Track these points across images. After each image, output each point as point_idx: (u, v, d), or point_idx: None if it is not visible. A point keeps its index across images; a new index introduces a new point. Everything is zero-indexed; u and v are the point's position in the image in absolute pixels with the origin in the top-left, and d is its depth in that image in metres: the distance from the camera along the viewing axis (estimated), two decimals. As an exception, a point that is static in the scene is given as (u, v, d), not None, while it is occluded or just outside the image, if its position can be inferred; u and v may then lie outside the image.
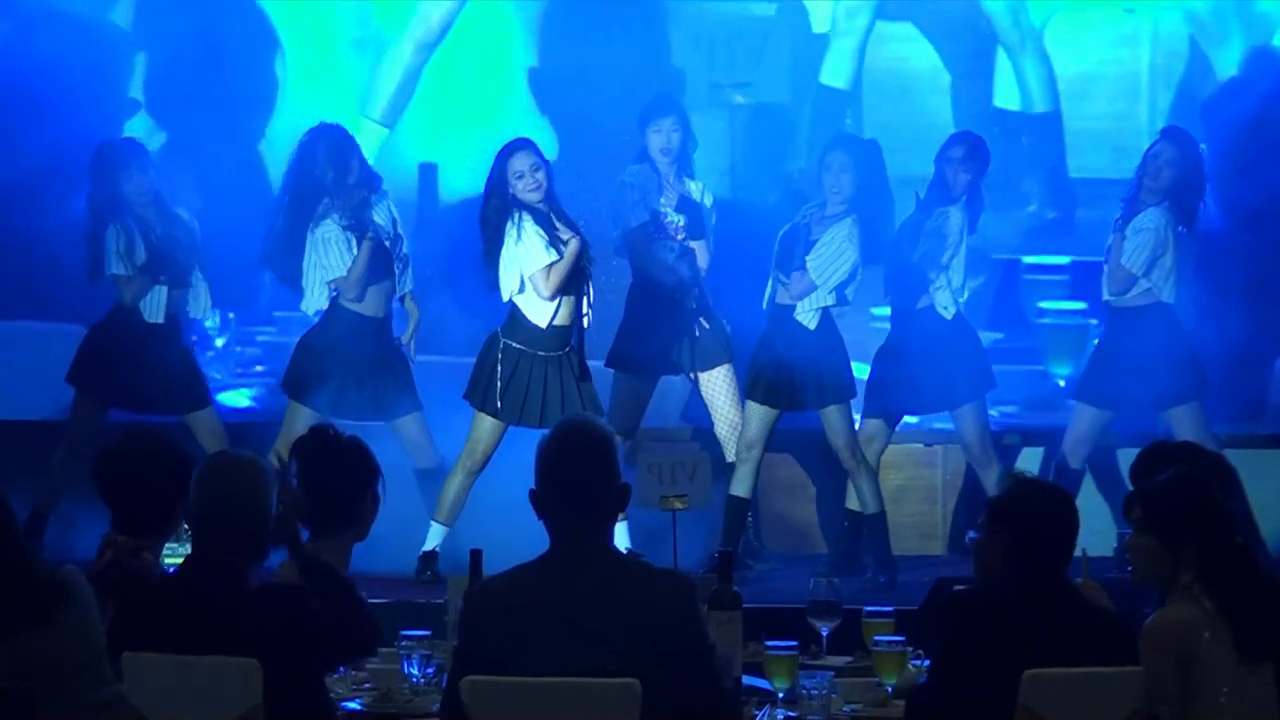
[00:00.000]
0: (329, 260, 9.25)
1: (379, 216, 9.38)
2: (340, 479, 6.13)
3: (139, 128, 10.60)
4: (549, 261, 8.94)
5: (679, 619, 5.20)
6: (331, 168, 9.22)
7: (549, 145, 10.34)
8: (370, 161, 9.98)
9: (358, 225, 9.21)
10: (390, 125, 10.98)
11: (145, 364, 9.36)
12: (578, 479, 5.25)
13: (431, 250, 10.29)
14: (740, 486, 9.20)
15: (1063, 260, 11.30)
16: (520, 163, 9.05)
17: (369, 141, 10.64)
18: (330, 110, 10.21)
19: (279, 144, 10.49)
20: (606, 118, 10.60)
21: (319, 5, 10.92)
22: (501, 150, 9.16)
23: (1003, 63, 11.55)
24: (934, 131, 10.53)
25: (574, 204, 9.42)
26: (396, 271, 9.44)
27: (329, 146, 9.30)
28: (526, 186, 8.99)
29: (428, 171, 10.78)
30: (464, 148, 10.75)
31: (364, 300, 9.34)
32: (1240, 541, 5.73)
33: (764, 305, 9.36)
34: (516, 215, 8.99)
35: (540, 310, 9.08)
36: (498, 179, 9.08)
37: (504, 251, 9.06)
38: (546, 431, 5.50)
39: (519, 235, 8.99)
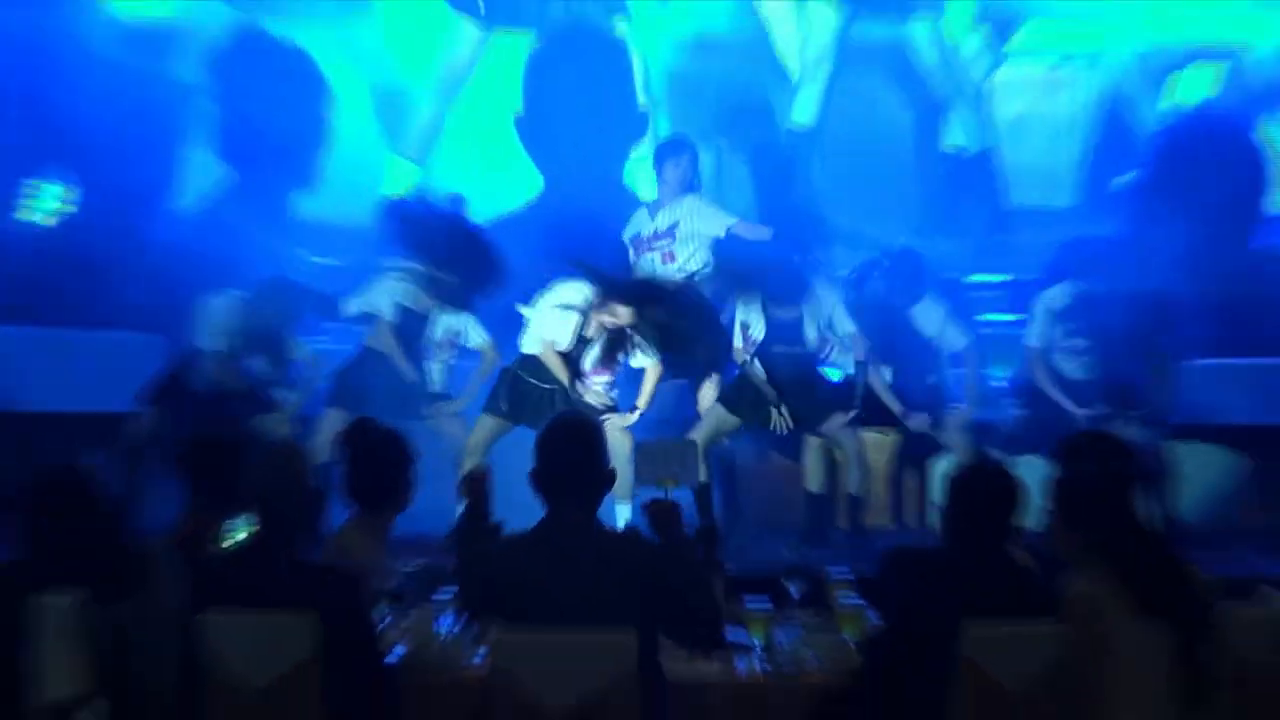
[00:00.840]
0: None
1: None
2: (381, 463, 6.31)
3: (200, 164, 10.38)
4: None
5: (654, 568, 5.39)
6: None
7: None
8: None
9: None
10: (422, 162, 10.78)
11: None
12: (569, 463, 5.48)
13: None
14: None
15: (1001, 279, 11.34)
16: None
17: (403, 177, 10.44)
18: (368, 150, 10.25)
19: (332, 179, 10.42)
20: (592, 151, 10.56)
21: (355, 57, 10.73)
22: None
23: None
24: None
25: (576, 230, 9.43)
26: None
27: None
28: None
29: (457, 202, 10.78)
30: (488, 180, 10.62)
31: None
32: (1131, 519, 5.76)
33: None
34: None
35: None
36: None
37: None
38: (546, 424, 5.70)
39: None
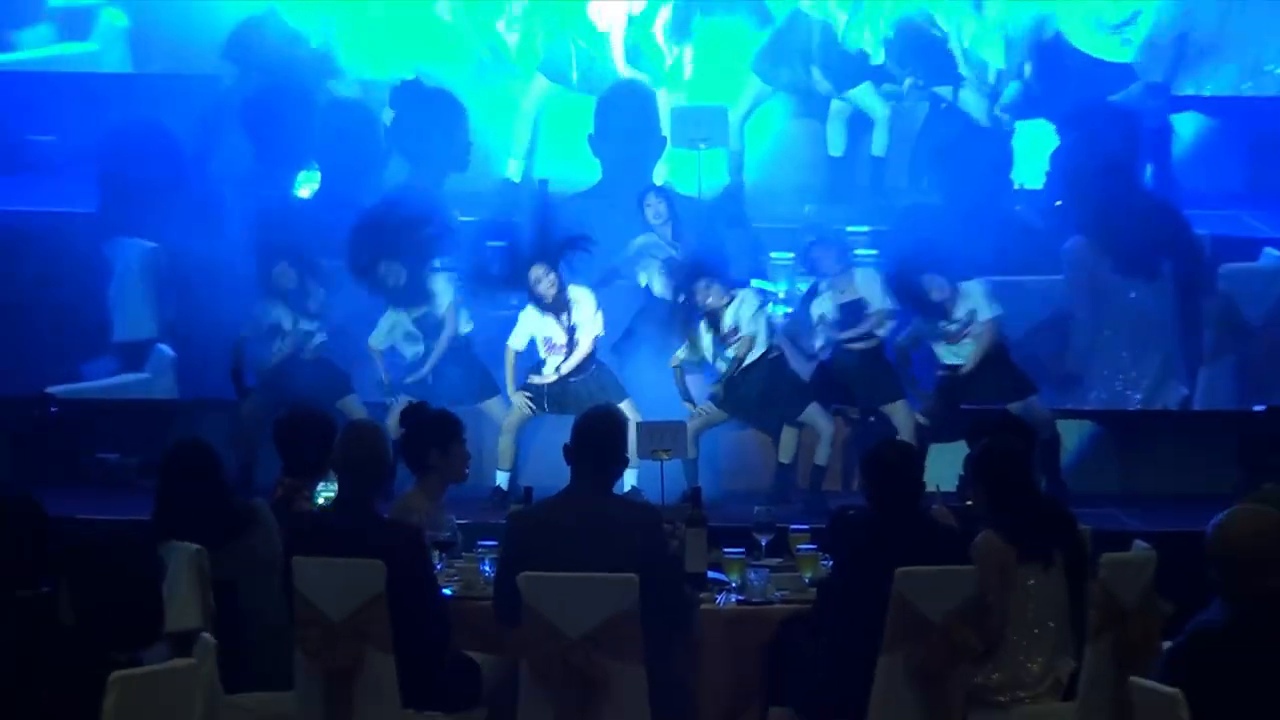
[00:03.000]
0: None
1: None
2: (431, 437, 6.26)
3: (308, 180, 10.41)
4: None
5: (648, 535, 5.41)
6: None
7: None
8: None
9: None
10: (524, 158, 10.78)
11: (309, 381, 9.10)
12: (597, 444, 5.48)
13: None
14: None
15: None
16: (537, 273, 8.94)
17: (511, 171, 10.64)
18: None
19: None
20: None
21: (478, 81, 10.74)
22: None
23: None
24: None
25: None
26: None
27: None
28: (548, 293, 8.95)
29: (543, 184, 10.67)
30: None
31: None
32: (1027, 482, 5.73)
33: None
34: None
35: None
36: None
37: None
38: (583, 413, 5.74)
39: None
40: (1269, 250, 9.76)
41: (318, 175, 10.34)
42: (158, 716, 4.01)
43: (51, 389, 9.63)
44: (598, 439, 5.50)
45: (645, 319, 9.49)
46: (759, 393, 9.02)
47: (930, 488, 5.88)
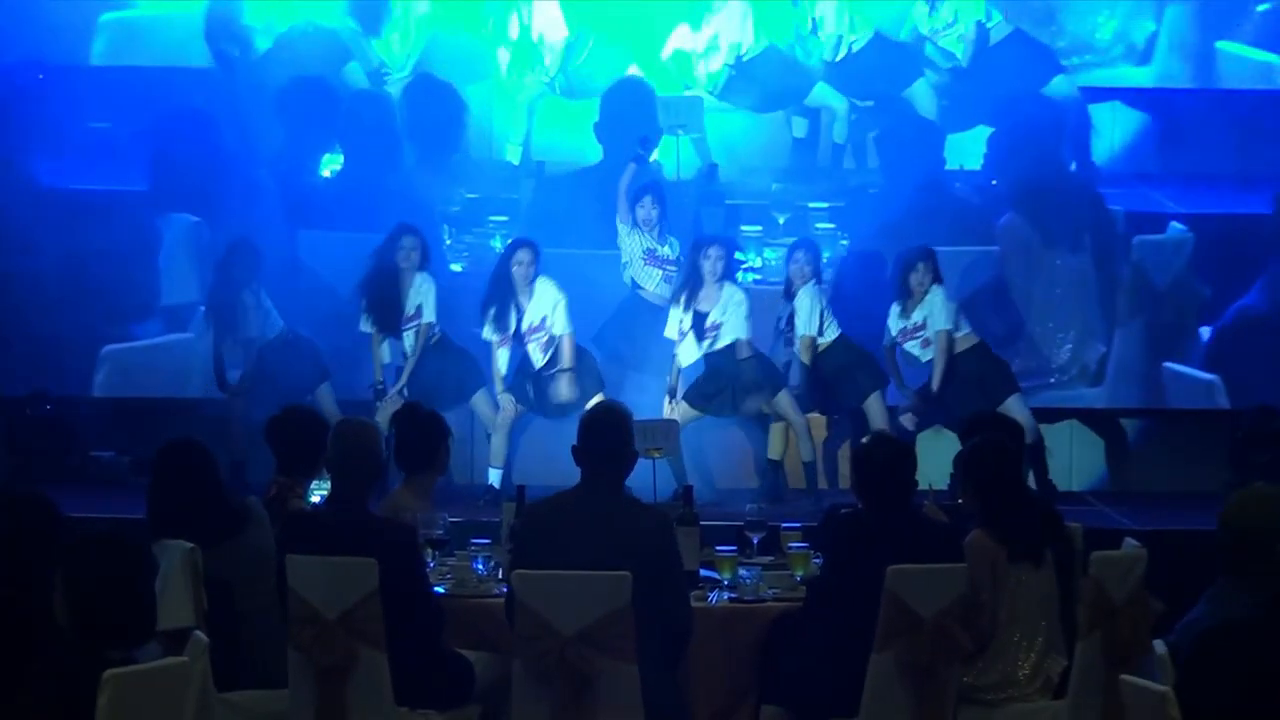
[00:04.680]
0: None
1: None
2: (424, 437, 6.28)
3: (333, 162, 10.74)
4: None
5: (659, 537, 5.39)
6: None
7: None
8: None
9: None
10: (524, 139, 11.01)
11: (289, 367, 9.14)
12: (604, 441, 5.45)
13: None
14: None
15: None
16: (521, 255, 8.93)
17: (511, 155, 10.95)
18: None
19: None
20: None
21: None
22: (509, 245, 9.10)
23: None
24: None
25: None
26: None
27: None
28: (519, 274, 8.93)
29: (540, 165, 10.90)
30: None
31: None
32: (1017, 481, 5.74)
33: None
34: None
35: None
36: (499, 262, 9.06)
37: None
38: (590, 408, 5.74)
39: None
40: (1174, 224, 10.39)
41: (340, 158, 10.67)
42: (151, 715, 3.99)
43: (107, 348, 10.04)
44: (605, 436, 5.45)
45: (628, 317, 9.50)
46: (741, 385, 9.03)
47: (922, 486, 5.87)
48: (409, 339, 9.16)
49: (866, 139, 10.84)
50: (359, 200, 9.91)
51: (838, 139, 10.86)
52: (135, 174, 10.37)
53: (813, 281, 9.00)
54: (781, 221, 10.19)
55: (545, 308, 8.99)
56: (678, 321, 9.02)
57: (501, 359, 9.10)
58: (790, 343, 9.09)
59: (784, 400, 9.00)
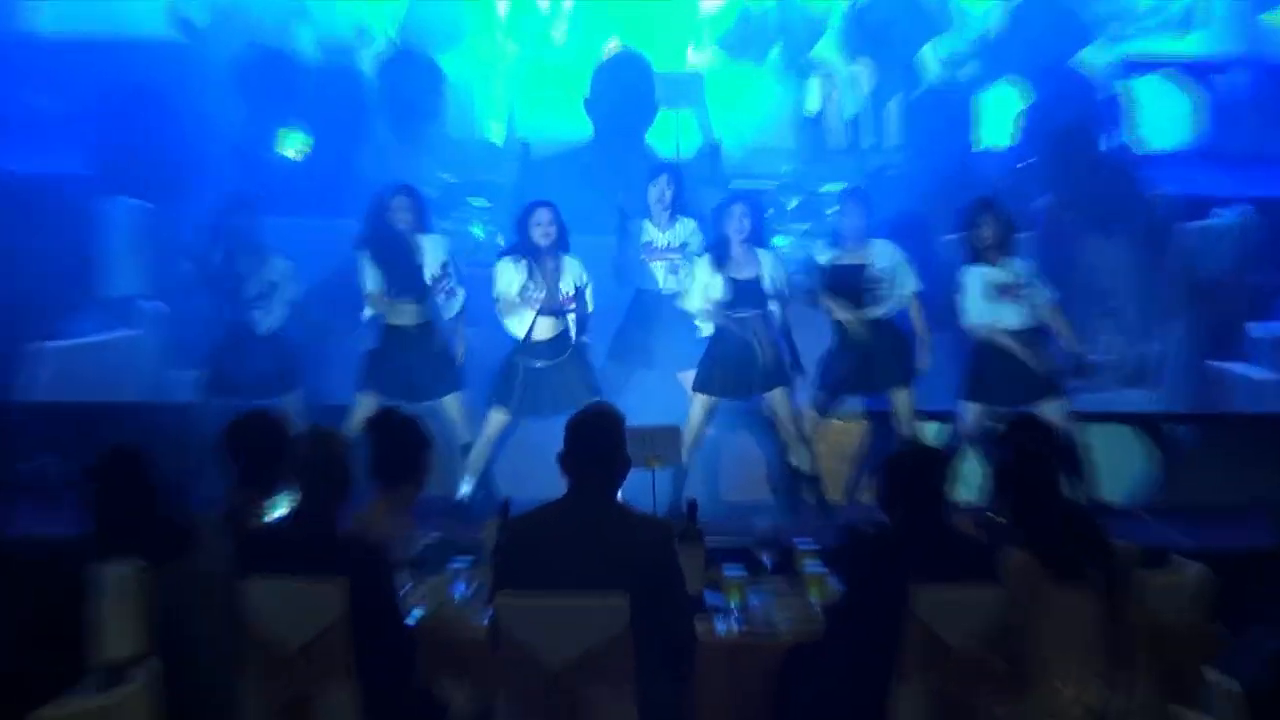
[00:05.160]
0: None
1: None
2: (401, 446, 6.24)
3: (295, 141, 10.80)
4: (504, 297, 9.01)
5: (659, 552, 5.34)
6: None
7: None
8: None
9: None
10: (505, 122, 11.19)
11: (258, 364, 9.13)
12: (594, 449, 5.41)
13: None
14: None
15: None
16: (540, 216, 8.96)
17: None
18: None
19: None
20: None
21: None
22: (527, 205, 9.02)
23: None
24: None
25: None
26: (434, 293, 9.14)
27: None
28: (540, 234, 8.99)
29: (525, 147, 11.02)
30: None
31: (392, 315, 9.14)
32: (1057, 495, 5.72)
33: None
34: (517, 256, 8.99)
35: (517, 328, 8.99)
36: (518, 225, 9.10)
37: None
38: (577, 412, 5.62)
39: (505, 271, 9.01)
40: (1224, 209, 10.28)
41: (306, 137, 10.73)
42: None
43: (39, 345, 9.97)
44: (594, 440, 5.43)
45: (635, 318, 9.45)
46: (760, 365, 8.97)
47: (955, 499, 5.80)
48: (447, 306, 9.08)
49: (886, 113, 10.84)
50: (327, 183, 9.97)
51: (845, 113, 10.83)
52: (75, 155, 10.32)
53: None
54: (791, 207, 10.05)
55: (577, 277, 8.97)
56: (703, 289, 8.94)
57: (515, 325, 9.02)
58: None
59: (779, 397, 8.92)
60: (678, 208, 9.37)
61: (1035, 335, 8.95)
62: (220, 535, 5.76)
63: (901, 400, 9.01)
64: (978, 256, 8.92)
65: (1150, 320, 10.18)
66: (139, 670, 4.45)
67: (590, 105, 10.50)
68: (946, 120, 10.41)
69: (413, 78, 10.63)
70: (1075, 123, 10.19)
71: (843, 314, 8.87)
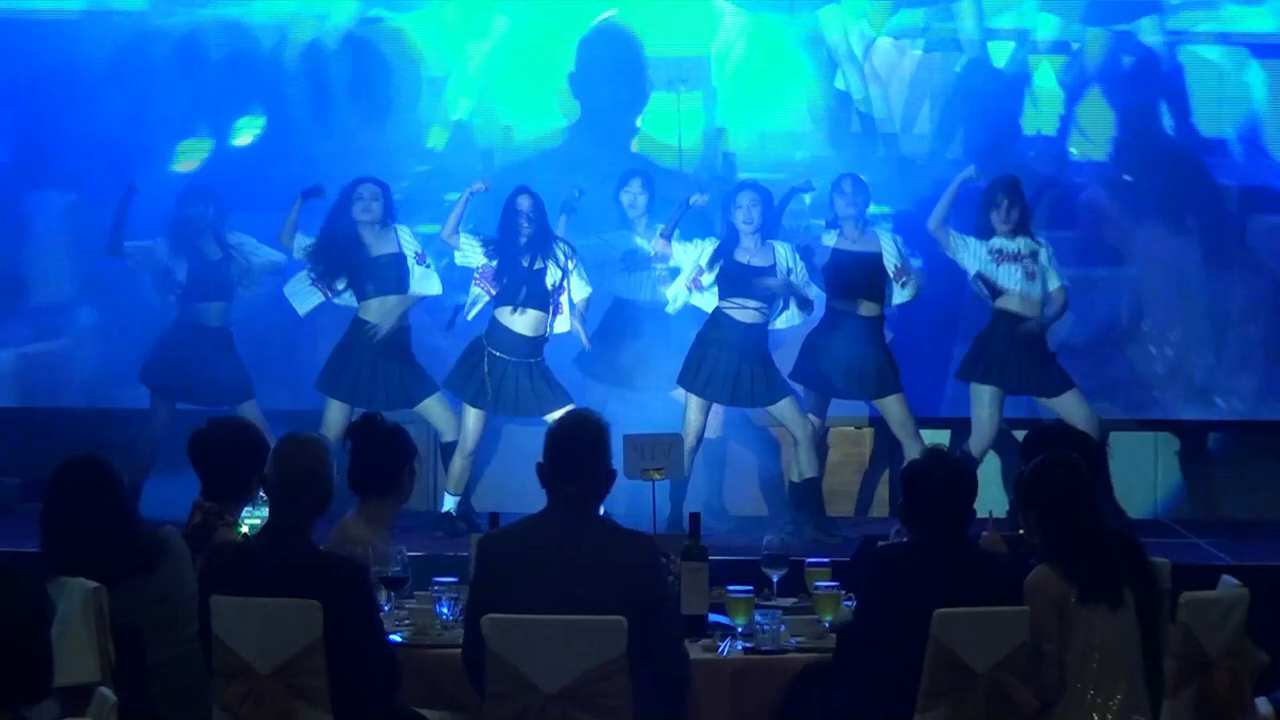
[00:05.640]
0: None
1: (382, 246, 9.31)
2: (385, 456, 6.25)
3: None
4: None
5: (644, 570, 5.33)
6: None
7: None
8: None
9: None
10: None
11: (203, 365, 9.28)
12: (575, 458, 5.37)
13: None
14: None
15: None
16: (521, 202, 9.03)
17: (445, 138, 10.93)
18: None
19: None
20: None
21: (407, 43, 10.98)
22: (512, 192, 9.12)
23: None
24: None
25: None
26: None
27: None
28: (522, 221, 8.97)
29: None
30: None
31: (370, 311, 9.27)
32: (1090, 509, 5.69)
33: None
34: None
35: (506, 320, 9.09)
36: (504, 210, 9.13)
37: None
38: (557, 418, 5.65)
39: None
40: None
41: (262, 121, 10.62)
42: (46, 788, 3.96)
43: None
44: (576, 449, 5.38)
45: (613, 332, 9.45)
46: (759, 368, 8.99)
47: (981, 514, 5.81)
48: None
49: (915, 90, 10.58)
50: (281, 175, 9.69)
51: (855, 95, 10.65)
52: None
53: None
54: (808, 202, 9.85)
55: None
56: (689, 278, 8.94)
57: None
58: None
59: (788, 406, 8.94)
60: (650, 215, 9.37)
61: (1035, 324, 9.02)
62: (185, 551, 5.75)
63: (893, 408, 9.05)
64: (993, 233, 9.01)
65: (1216, 328, 9.91)
66: (98, 695, 4.44)
67: (576, 80, 10.45)
68: (994, 98, 10.12)
69: (381, 54, 10.54)
70: (1128, 105, 9.92)
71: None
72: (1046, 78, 10.60)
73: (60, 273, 10.09)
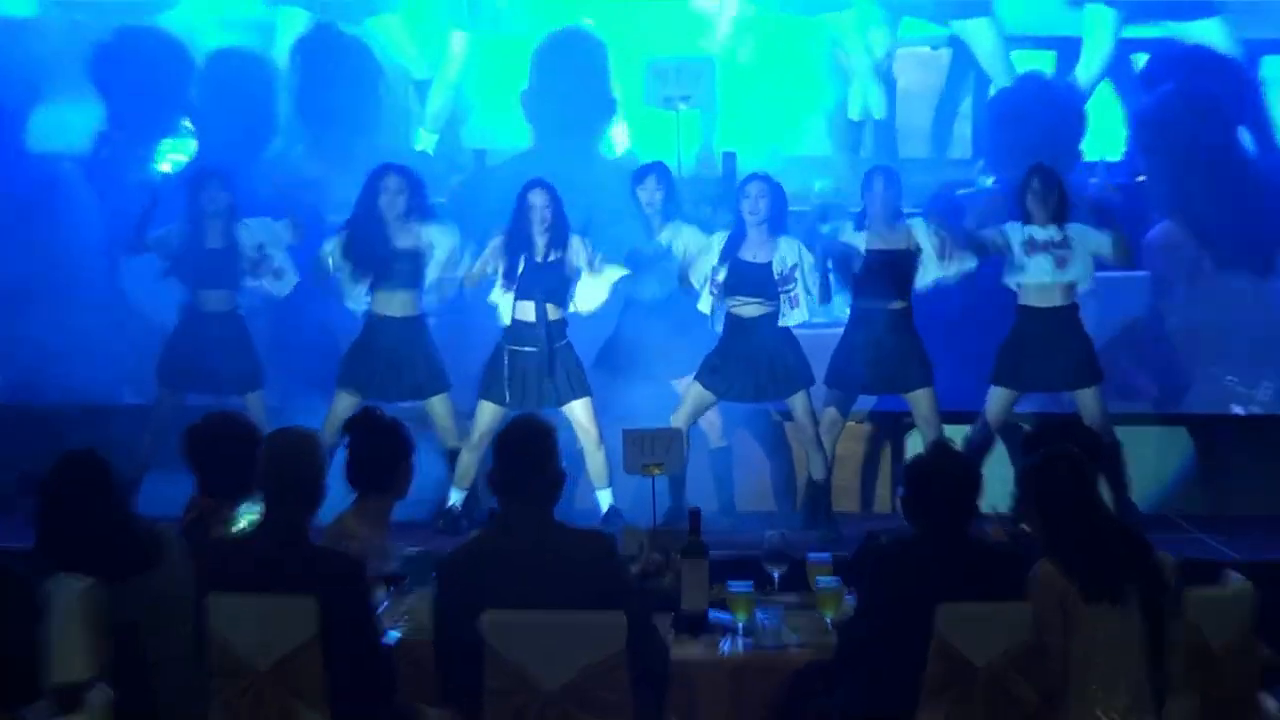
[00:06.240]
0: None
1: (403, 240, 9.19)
2: (383, 451, 6.25)
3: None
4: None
5: (604, 567, 5.37)
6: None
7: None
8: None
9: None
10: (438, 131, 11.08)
11: (203, 352, 9.23)
12: (520, 465, 5.42)
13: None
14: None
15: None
16: (534, 197, 8.95)
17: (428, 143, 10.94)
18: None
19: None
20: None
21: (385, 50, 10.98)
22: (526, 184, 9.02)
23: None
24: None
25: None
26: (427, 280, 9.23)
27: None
28: (537, 217, 8.96)
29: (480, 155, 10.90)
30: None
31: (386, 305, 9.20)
32: (1094, 503, 5.69)
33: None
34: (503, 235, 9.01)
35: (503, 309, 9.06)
36: (516, 205, 9.07)
37: None
38: (503, 428, 5.67)
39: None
40: None
41: (192, 143, 10.49)
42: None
43: None
44: (520, 454, 5.43)
45: (628, 330, 9.45)
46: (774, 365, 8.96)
47: (984, 509, 5.80)
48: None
49: (953, 110, 10.44)
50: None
51: (875, 112, 10.49)
52: None
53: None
54: (825, 231, 9.28)
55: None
56: (705, 273, 8.95)
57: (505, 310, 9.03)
58: None
59: (801, 402, 8.92)
60: (665, 215, 9.34)
61: (1072, 311, 8.98)
62: (181, 548, 5.75)
63: (922, 401, 9.02)
64: (1027, 220, 8.99)
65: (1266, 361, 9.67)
66: (94, 693, 4.44)
67: (528, 98, 10.31)
68: (1052, 125, 9.81)
69: (335, 65, 10.41)
70: (1199, 125, 9.53)
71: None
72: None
73: (60, 272, 10.05)
